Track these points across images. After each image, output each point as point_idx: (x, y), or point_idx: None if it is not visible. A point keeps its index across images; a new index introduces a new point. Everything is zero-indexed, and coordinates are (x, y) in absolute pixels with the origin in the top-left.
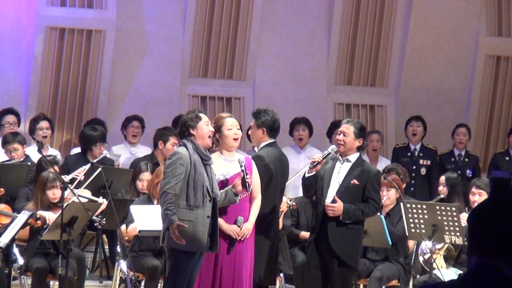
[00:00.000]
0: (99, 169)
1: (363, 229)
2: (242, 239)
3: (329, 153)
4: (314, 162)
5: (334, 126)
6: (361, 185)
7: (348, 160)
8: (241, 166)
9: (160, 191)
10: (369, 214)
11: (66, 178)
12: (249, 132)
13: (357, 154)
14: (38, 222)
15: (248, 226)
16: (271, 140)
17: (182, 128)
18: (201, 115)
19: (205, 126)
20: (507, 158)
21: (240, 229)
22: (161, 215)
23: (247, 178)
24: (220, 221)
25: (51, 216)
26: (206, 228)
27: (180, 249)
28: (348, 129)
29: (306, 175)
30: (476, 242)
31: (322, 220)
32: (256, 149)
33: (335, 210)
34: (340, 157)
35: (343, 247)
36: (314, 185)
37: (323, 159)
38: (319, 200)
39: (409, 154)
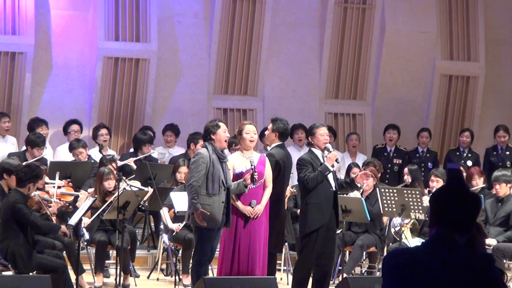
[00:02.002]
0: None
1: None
2: (255, 217)
3: (329, 150)
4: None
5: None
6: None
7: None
8: (251, 165)
9: (187, 183)
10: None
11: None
12: (265, 132)
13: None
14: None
15: (260, 208)
16: (280, 143)
17: (205, 133)
18: (220, 124)
19: (222, 133)
20: (457, 153)
21: (253, 209)
22: (188, 201)
23: (254, 175)
24: (238, 203)
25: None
26: (221, 211)
27: (202, 226)
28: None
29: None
30: (436, 217)
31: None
32: (268, 148)
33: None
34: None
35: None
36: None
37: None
38: (323, 186)
39: (385, 154)
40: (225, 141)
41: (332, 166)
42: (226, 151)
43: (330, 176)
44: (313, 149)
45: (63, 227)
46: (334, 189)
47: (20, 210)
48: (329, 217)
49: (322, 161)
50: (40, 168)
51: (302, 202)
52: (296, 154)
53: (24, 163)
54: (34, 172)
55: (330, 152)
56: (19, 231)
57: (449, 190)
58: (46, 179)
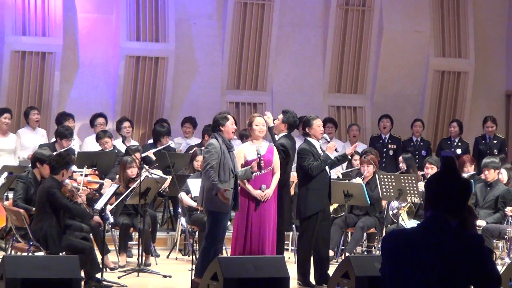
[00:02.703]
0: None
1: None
2: (265, 200)
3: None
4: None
5: (327, 121)
6: None
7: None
8: (257, 154)
9: (203, 170)
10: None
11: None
12: (275, 122)
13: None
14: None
15: (269, 191)
16: (287, 132)
17: (214, 124)
18: (229, 116)
19: (230, 125)
20: (448, 142)
21: (263, 193)
22: (205, 186)
23: (261, 163)
24: (250, 188)
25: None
26: (231, 196)
27: (214, 210)
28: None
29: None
30: (431, 201)
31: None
32: (276, 136)
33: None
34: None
35: None
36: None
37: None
38: (322, 173)
39: (380, 141)
40: (233, 132)
41: (337, 160)
42: (238, 141)
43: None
44: (310, 139)
45: (96, 217)
46: (329, 175)
47: (54, 194)
48: (326, 202)
49: (319, 150)
50: (70, 155)
51: (302, 188)
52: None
53: (54, 153)
54: (65, 160)
55: (329, 142)
56: (53, 214)
57: (443, 176)
58: (74, 167)
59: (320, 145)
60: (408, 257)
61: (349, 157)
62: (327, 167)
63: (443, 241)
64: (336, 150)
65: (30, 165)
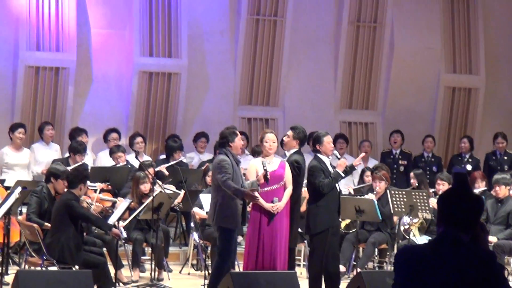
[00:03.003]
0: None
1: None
2: (276, 213)
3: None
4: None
5: (338, 137)
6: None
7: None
8: (263, 167)
9: (221, 181)
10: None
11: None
12: (285, 139)
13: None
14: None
15: (281, 204)
16: (298, 148)
17: (223, 139)
18: (237, 131)
19: (238, 141)
20: (459, 158)
21: (275, 205)
22: (218, 201)
23: (267, 175)
24: (262, 201)
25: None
26: (240, 211)
27: (226, 227)
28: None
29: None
30: (443, 217)
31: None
32: (286, 153)
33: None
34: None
35: None
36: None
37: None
38: (333, 190)
39: (391, 156)
40: (240, 147)
41: (344, 172)
42: (250, 156)
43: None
44: (320, 156)
45: (115, 230)
46: (339, 191)
47: (73, 205)
48: (336, 218)
49: (330, 166)
50: (87, 170)
51: (312, 205)
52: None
53: (70, 167)
54: (83, 174)
55: (339, 158)
56: (70, 226)
57: (455, 192)
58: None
59: (330, 161)
60: (421, 273)
61: (356, 167)
62: (337, 184)
63: (455, 257)
64: (346, 173)
65: (43, 180)
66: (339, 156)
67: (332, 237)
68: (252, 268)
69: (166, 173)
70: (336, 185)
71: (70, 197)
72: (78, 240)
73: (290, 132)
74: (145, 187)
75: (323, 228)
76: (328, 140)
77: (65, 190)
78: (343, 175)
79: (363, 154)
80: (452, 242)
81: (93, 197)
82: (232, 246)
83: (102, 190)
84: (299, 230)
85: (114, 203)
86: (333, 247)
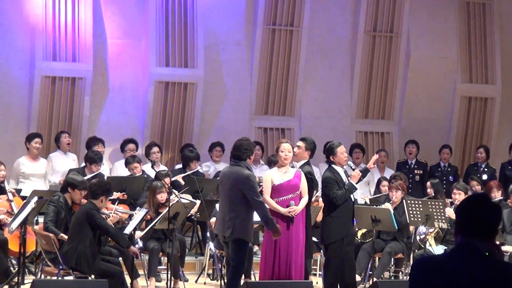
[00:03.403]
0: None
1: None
2: (293, 215)
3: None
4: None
5: (355, 147)
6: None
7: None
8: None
9: (257, 202)
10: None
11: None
12: (296, 150)
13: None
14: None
15: (298, 208)
16: (308, 160)
17: (246, 152)
18: (254, 143)
19: (256, 152)
20: (475, 168)
21: (291, 208)
22: (243, 216)
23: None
24: (278, 207)
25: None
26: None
27: (246, 240)
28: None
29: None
30: (462, 226)
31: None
32: (296, 164)
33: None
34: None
35: None
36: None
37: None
38: (347, 200)
39: (407, 166)
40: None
41: (356, 183)
42: (265, 166)
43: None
44: (334, 167)
45: (134, 248)
46: (353, 201)
47: (95, 215)
48: (350, 228)
49: (344, 177)
50: (110, 184)
51: (326, 216)
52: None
53: (92, 179)
54: (106, 187)
55: (353, 169)
56: (89, 234)
57: (473, 200)
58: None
59: (345, 170)
60: (437, 284)
61: (370, 170)
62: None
63: (472, 268)
64: (360, 178)
65: (60, 190)
66: (353, 167)
67: (348, 246)
68: (269, 277)
69: (182, 182)
70: (351, 195)
71: (92, 207)
72: (95, 249)
73: (301, 143)
74: (161, 196)
75: (337, 238)
76: (341, 150)
77: (82, 200)
78: (356, 187)
79: (376, 156)
80: (469, 252)
81: (111, 207)
82: (246, 259)
83: (118, 200)
84: (315, 239)
85: (131, 216)
86: (349, 256)
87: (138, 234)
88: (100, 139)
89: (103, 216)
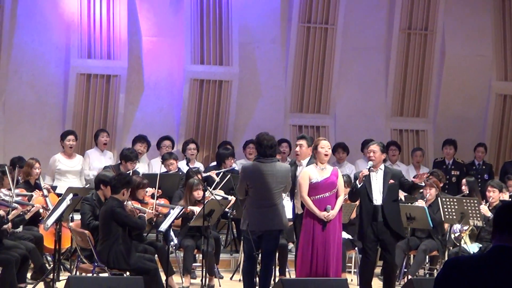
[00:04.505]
0: (228, 176)
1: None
2: (329, 220)
3: (370, 167)
4: (364, 175)
5: (390, 145)
6: (396, 182)
7: (380, 169)
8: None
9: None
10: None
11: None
12: (298, 149)
13: (383, 165)
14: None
15: (333, 212)
16: (311, 155)
17: (275, 149)
18: None
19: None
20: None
21: (328, 214)
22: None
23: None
24: (315, 209)
25: (196, 209)
26: None
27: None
28: (376, 148)
29: (358, 186)
30: (497, 230)
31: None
32: (303, 162)
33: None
34: (372, 169)
35: (399, 226)
36: (358, 193)
37: (369, 172)
38: (364, 201)
39: (444, 166)
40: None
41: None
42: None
43: (373, 191)
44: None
45: (149, 212)
46: (374, 203)
47: (119, 213)
48: (367, 229)
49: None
50: (131, 176)
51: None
52: (364, 166)
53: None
54: (126, 179)
55: (370, 170)
56: (118, 231)
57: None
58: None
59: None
60: (465, 286)
61: (421, 184)
62: (373, 194)
63: (505, 272)
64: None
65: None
66: (368, 166)
67: (366, 246)
68: (306, 275)
69: (216, 178)
70: (372, 196)
71: (114, 204)
72: (128, 245)
73: (302, 141)
74: (198, 193)
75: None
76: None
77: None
78: (358, 185)
79: (424, 174)
80: (504, 254)
81: (151, 202)
82: None
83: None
84: (350, 237)
85: (170, 209)
86: (368, 255)
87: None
88: (145, 136)
89: (137, 211)
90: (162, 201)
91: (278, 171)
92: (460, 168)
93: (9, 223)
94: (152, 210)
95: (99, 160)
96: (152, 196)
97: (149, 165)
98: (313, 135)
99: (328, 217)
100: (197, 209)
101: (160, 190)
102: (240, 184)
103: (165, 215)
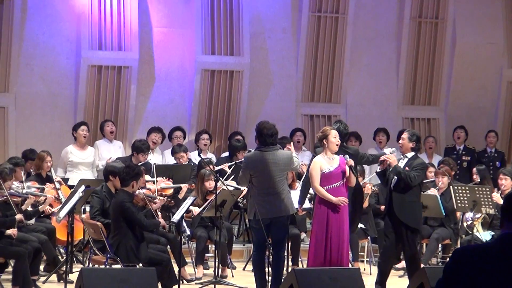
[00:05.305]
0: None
1: (419, 202)
2: (344, 204)
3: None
4: (382, 161)
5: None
6: (410, 169)
7: (406, 157)
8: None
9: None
10: (407, 177)
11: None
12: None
13: (412, 153)
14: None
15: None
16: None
17: (276, 137)
18: None
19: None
20: None
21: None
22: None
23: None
24: (329, 195)
25: (195, 210)
26: None
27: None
28: (404, 135)
29: (378, 171)
30: (505, 218)
31: (390, 199)
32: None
33: (390, 159)
34: (401, 155)
35: (406, 216)
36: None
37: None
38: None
39: (455, 152)
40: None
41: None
42: (308, 152)
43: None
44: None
45: (162, 221)
46: (391, 188)
47: (128, 209)
48: (385, 217)
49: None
50: (139, 167)
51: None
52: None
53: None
54: (135, 171)
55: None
56: (128, 227)
57: None
58: (147, 177)
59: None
60: (475, 278)
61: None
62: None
63: None
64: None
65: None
66: (384, 151)
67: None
68: (320, 264)
69: (228, 171)
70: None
71: (124, 198)
72: (138, 239)
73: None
74: (210, 184)
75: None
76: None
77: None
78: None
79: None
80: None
81: (153, 189)
82: None
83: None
84: (362, 226)
85: (176, 190)
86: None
87: (197, 210)
88: (159, 128)
89: (149, 199)
90: (163, 183)
91: (280, 159)
92: (471, 153)
93: (20, 215)
94: (158, 197)
95: (108, 150)
96: (154, 182)
97: (162, 155)
98: (324, 124)
99: (343, 201)
100: (196, 210)
101: (171, 179)
102: (242, 173)
103: (175, 201)
